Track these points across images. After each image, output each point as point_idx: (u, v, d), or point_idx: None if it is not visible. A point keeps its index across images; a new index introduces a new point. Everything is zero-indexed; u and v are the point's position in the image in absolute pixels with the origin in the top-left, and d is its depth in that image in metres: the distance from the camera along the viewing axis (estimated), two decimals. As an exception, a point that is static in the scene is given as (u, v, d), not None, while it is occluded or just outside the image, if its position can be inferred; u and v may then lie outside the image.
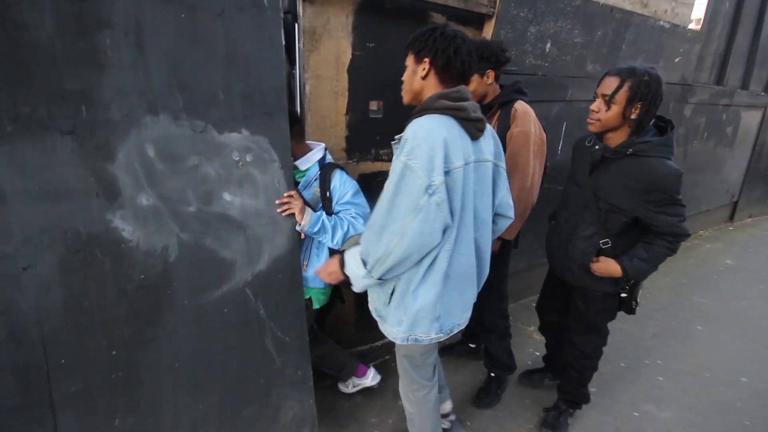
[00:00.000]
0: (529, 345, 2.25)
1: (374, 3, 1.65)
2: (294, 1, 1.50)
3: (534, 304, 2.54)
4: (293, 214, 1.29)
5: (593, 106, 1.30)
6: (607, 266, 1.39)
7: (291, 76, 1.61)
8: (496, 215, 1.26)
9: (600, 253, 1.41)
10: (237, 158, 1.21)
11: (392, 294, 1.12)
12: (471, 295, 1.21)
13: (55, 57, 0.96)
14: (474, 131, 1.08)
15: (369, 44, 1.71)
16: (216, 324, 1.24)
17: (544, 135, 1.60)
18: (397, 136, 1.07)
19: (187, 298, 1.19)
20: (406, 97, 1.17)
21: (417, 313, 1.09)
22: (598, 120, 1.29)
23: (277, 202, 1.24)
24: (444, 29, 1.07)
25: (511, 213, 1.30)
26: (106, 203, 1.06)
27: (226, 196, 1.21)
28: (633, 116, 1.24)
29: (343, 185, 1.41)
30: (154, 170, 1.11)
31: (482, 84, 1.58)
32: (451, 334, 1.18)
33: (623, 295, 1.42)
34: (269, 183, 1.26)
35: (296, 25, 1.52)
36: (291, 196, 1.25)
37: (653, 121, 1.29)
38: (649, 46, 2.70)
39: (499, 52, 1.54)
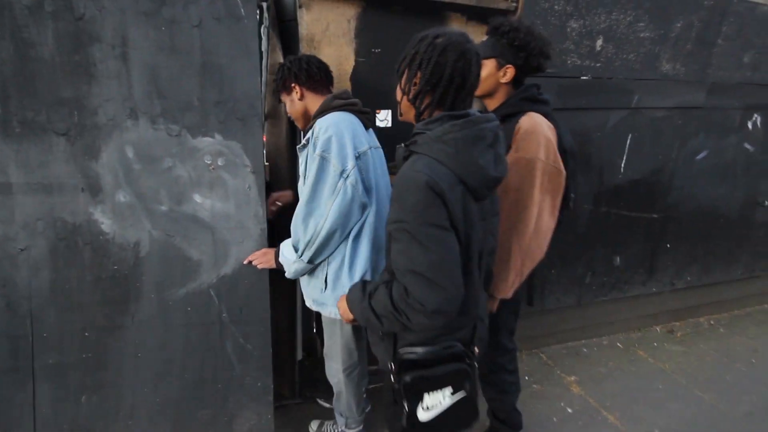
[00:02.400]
0: (563, 398, 1.91)
1: (380, 5, 1.62)
2: (295, 8, 1.56)
3: (584, 349, 2.16)
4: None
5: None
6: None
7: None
8: None
9: None
10: (209, 162, 1.28)
11: (326, 279, 1.24)
12: None
13: (55, 69, 1.14)
14: (366, 122, 1.29)
15: (375, 50, 1.69)
16: (179, 321, 1.32)
17: (560, 162, 1.20)
18: (304, 141, 1.25)
19: (154, 292, 1.29)
20: (299, 123, 1.38)
21: None
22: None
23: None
24: (290, 59, 1.32)
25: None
26: (90, 198, 1.21)
27: (197, 198, 1.29)
28: (411, 94, 0.86)
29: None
30: (132, 170, 1.23)
31: (494, 77, 1.22)
32: None
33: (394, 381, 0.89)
34: (239, 187, 1.31)
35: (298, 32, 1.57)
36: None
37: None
38: (761, 40, 2.16)
39: (536, 51, 1.18)
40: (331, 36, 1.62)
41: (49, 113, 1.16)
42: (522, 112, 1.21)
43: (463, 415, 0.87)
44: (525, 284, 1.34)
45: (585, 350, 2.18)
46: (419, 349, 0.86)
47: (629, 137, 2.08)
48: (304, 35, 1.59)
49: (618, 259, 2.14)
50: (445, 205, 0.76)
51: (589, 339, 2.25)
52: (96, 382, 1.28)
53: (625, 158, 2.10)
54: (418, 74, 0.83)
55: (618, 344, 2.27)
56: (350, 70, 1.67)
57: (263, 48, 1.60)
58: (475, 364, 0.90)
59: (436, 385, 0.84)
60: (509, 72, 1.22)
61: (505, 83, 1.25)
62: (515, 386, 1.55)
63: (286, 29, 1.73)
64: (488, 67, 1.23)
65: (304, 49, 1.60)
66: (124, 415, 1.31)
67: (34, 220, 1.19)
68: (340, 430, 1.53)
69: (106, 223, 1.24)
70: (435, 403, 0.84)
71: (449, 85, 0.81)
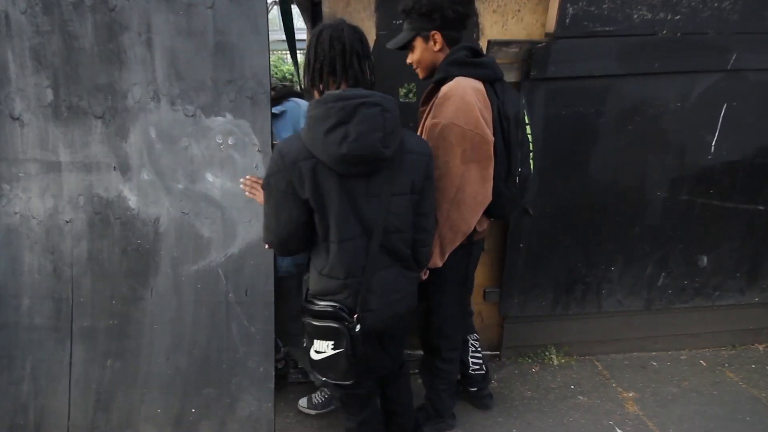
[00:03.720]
0: (613, 416, 1.62)
1: (402, -24, 1.56)
2: (319, -12, 1.58)
3: (653, 362, 1.82)
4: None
5: None
6: None
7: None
8: None
9: None
10: (220, 141, 1.34)
11: None
12: None
13: (93, 58, 1.31)
14: None
15: (396, 21, 1.63)
16: (190, 298, 1.39)
17: (484, 128, 1.14)
18: None
19: (170, 267, 1.38)
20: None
21: None
22: None
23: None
24: None
25: None
26: (120, 176, 1.35)
27: (209, 177, 1.35)
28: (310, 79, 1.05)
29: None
30: (154, 150, 1.34)
31: (428, 50, 1.24)
32: None
33: None
34: (248, 166, 1.35)
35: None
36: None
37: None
38: None
39: (445, 4, 1.17)
40: (352, 11, 1.61)
41: (89, 98, 1.33)
42: (450, 77, 1.18)
43: (343, 369, 1.04)
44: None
45: (654, 364, 1.82)
46: (314, 302, 1.06)
47: (724, 107, 1.70)
48: (327, 13, 1.60)
49: (705, 259, 1.75)
50: (290, 174, 0.94)
51: (663, 351, 1.88)
52: (119, 349, 1.40)
53: (717, 134, 1.72)
54: (311, 62, 1.00)
55: (701, 361, 1.88)
56: (372, 45, 1.63)
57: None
58: (357, 328, 1.02)
59: (319, 335, 1.04)
60: (437, 38, 1.23)
61: (440, 50, 1.24)
62: (448, 376, 1.48)
63: (317, 12, 1.77)
64: (418, 46, 1.26)
65: (324, 28, 1.60)
66: (140, 382, 1.41)
67: (77, 195, 1.36)
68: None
69: (132, 199, 1.36)
70: (322, 349, 1.04)
71: (333, 55, 0.97)
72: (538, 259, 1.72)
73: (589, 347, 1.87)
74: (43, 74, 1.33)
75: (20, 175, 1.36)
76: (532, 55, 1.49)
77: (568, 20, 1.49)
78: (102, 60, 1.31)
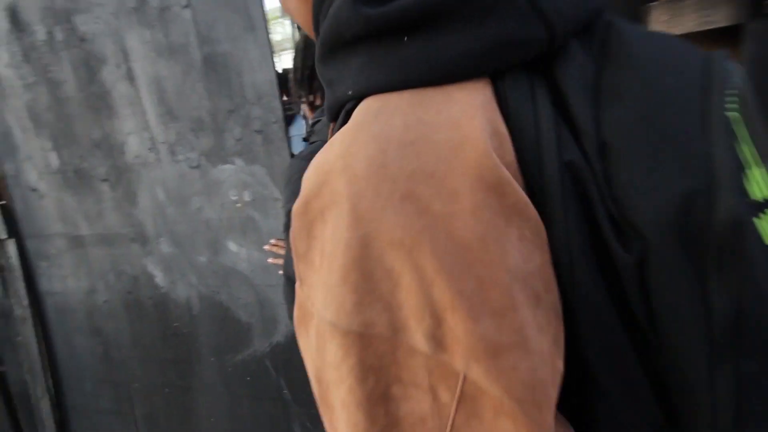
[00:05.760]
0: None
1: None
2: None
3: None
4: None
5: None
6: None
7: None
8: None
9: None
10: (235, 198, 0.98)
11: None
12: None
13: (82, 108, 1.06)
14: None
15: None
16: (242, 391, 1.15)
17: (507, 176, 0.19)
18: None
19: (213, 355, 1.15)
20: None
21: None
22: None
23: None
24: None
25: None
26: (140, 248, 1.13)
27: (232, 246, 1.03)
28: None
29: None
30: (167, 214, 1.07)
31: None
32: None
33: None
34: (273, 229, 0.98)
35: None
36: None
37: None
38: None
39: None
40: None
41: (90, 159, 1.11)
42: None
43: None
44: None
45: None
46: None
47: None
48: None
49: None
50: None
51: None
52: (182, 439, 1.25)
53: None
54: (300, 68, 0.77)
55: None
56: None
57: None
58: None
59: None
60: None
61: None
62: None
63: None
64: None
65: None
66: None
67: (106, 273, 1.20)
68: None
69: (158, 276, 1.14)
70: None
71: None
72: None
73: None
74: (44, 135, 1.14)
75: (52, 251, 1.25)
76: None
77: None
78: (90, 108, 1.05)
